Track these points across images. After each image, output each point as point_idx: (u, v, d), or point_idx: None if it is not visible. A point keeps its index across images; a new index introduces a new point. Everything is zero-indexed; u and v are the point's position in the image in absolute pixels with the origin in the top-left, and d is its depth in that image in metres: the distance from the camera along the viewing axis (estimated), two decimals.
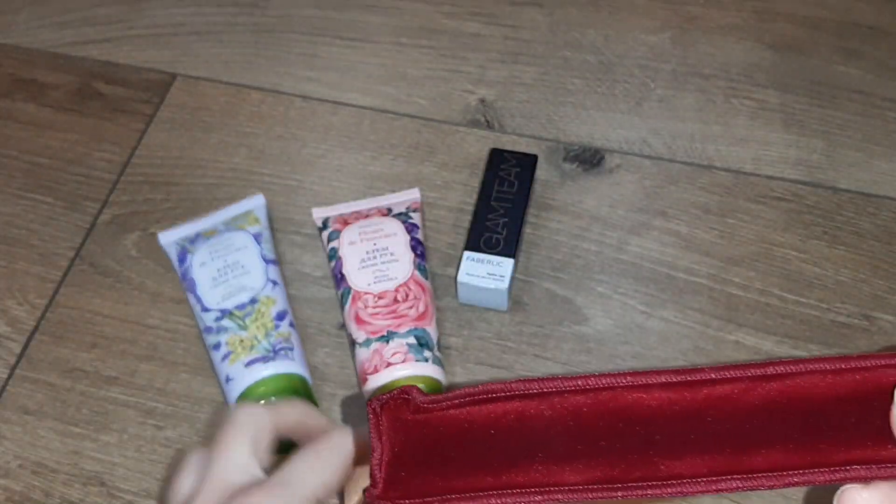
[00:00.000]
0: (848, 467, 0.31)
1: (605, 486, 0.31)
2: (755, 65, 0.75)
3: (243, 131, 0.72)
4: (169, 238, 0.64)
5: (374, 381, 0.56)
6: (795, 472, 0.31)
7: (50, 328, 0.63)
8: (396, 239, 0.62)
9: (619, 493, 0.31)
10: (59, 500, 0.56)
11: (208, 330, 0.59)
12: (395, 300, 0.59)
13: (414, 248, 0.62)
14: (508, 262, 0.61)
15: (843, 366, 0.32)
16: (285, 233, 0.66)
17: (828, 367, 0.32)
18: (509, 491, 0.31)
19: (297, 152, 0.71)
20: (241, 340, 0.57)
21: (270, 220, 0.66)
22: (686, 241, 0.65)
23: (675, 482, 0.31)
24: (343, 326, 0.61)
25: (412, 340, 0.57)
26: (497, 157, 0.66)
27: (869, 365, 0.31)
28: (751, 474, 0.31)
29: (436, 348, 0.58)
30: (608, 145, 0.70)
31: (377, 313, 0.58)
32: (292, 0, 0.81)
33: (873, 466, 0.31)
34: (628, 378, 0.32)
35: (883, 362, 0.31)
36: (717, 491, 0.31)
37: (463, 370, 0.60)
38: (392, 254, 0.61)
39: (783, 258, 0.64)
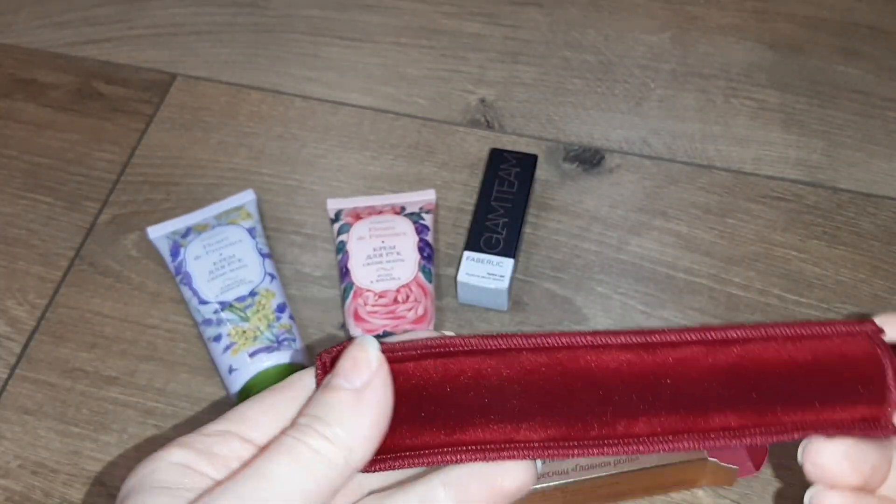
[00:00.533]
0: (798, 429, 0.31)
1: (560, 443, 0.31)
2: (755, 65, 0.75)
3: (243, 131, 0.72)
4: (159, 232, 0.64)
5: None
6: (748, 430, 0.31)
7: (50, 328, 0.63)
8: (405, 239, 0.62)
9: (575, 451, 0.31)
10: (59, 500, 0.56)
11: (207, 322, 0.59)
12: (395, 300, 0.59)
13: (421, 250, 0.62)
14: (508, 262, 0.61)
15: (802, 332, 0.32)
16: (285, 233, 0.66)
17: (788, 332, 0.32)
18: (463, 448, 0.31)
19: (297, 152, 0.71)
20: (244, 331, 0.58)
21: (262, 216, 0.66)
22: (686, 241, 0.65)
23: (631, 440, 0.31)
24: (343, 326, 0.61)
25: None
26: (497, 157, 0.66)
27: (827, 332, 0.32)
28: (705, 433, 0.31)
29: None
30: (608, 145, 0.71)
31: (376, 312, 0.58)
32: (292, 0, 0.81)
33: (827, 427, 0.31)
34: (588, 338, 0.32)
35: (842, 329, 0.32)
36: (673, 449, 0.31)
37: None
38: (399, 253, 0.61)
39: (783, 258, 0.64)
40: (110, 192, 0.69)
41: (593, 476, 0.51)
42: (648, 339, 0.32)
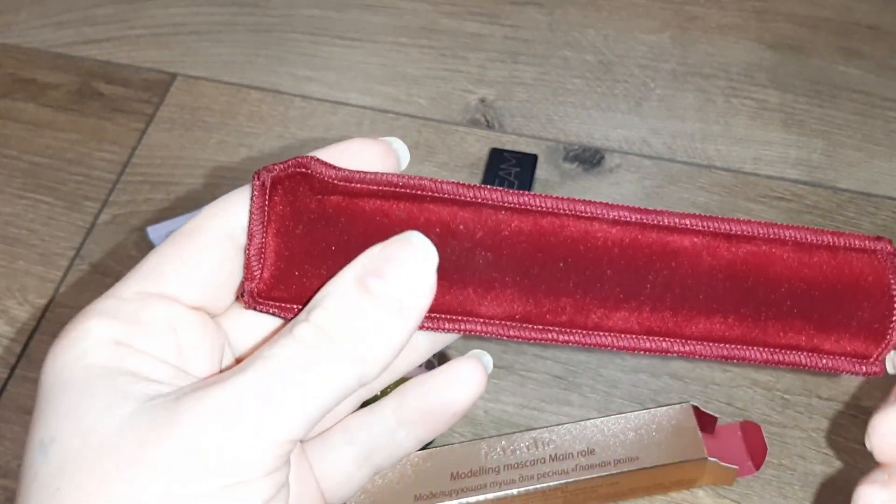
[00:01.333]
0: (784, 351, 0.29)
1: (524, 325, 0.28)
2: (755, 65, 0.75)
3: (243, 131, 0.72)
4: (159, 232, 0.64)
5: None
6: (731, 346, 0.28)
7: (50, 328, 0.63)
8: None
9: (539, 336, 0.28)
10: None
11: None
12: None
13: None
14: None
15: (814, 239, 0.29)
16: None
17: (799, 237, 0.29)
18: None
19: (297, 152, 0.71)
20: None
21: None
22: None
23: (600, 334, 0.28)
24: None
25: None
26: (497, 157, 0.66)
27: (840, 244, 0.29)
28: (684, 340, 0.28)
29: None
30: (608, 145, 0.71)
31: None
32: (292, 0, 0.81)
33: (813, 355, 0.29)
34: (578, 206, 0.28)
35: (857, 244, 0.29)
36: (646, 350, 0.28)
37: None
38: None
39: None
40: (110, 192, 0.69)
41: (593, 476, 0.51)
42: (645, 218, 0.28)
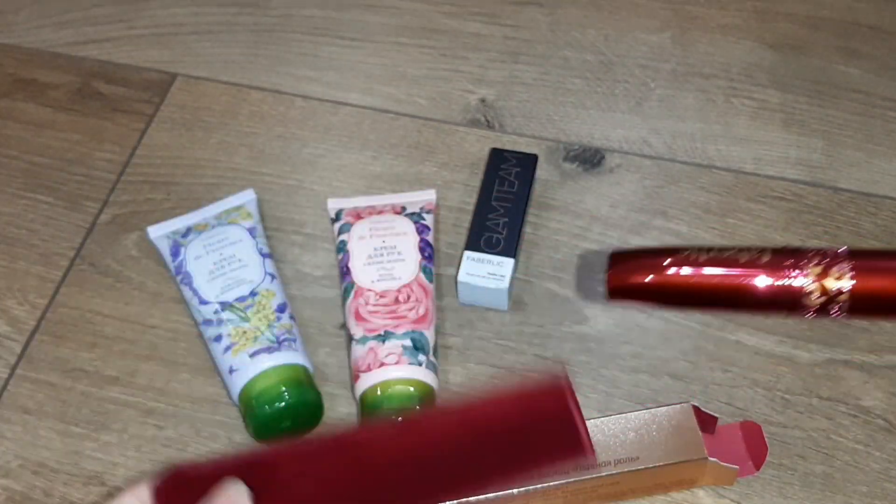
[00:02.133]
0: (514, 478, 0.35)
1: None
2: (755, 65, 0.75)
3: (243, 131, 0.72)
4: (159, 232, 0.64)
5: (366, 380, 0.56)
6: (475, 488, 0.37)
7: (50, 328, 0.63)
8: (406, 238, 0.62)
9: None
10: (60, 499, 0.56)
11: (208, 322, 0.59)
12: (397, 300, 0.59)
13: (422, 250, 0.62)
14: (509, 262, 0.61)
15: (505, 392, 0.35)
16: (285, 233, 0.66)
17: (490, 398, 0.36)
18: None
19: (297, 152, 0.71)
20: (245, 332, 0.58)
21: (263, 215, 0.66)
22: (686, 240, 0.65)
23: None
24: (343, 326, 0.61)
25: (408, 343, 0.57)
26: (497, 157, 0.66)
27: (528, 389, 0.35)
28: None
29: (431, 353, 0.58)
30: (608, 145, 0.71)
31: (377, 311, 0.58)
32: (292, 0, 0.81)
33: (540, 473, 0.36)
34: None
35: (541, 384, 0.35)
36: None
37: (463, 370, 0.60)
38: (399, 253, 0.61)
39: None
40: (110, 192, 0.69)
41: (593, 476, 0.51)
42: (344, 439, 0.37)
